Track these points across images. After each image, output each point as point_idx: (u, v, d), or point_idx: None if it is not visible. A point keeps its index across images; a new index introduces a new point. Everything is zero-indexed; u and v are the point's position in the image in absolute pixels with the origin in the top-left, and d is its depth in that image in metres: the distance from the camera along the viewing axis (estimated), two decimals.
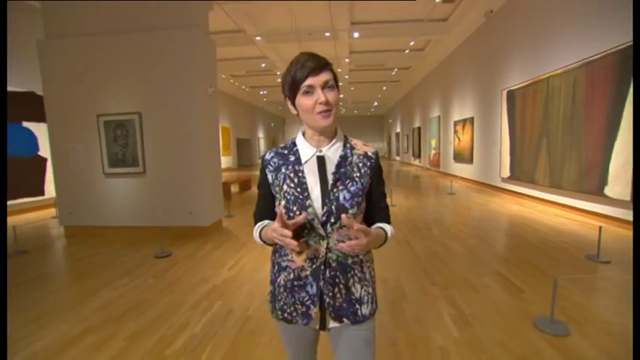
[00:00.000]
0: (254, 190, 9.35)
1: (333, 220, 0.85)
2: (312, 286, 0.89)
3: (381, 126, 30.25)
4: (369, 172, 0.92)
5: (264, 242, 0.93)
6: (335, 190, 0.87)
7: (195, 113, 4.17)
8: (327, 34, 8.64)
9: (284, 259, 0.93)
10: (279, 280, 0.94)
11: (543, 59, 5.59)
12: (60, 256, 3.88)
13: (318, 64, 0.82)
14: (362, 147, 0.96)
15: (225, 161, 15.85)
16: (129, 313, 2.34)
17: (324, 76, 0.83)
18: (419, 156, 14.98)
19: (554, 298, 2.03)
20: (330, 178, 0.88)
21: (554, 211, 5.29)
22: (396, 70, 13.67)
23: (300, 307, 0.91)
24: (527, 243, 3.75)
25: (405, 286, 2.71)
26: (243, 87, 15.98)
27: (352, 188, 0.88)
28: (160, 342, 1.99)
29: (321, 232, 0.86)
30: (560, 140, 5.24)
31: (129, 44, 4.14)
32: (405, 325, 2.13)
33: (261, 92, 17.84)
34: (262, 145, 23.18)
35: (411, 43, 9.83)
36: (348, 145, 0.94)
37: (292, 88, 0.84)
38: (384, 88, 17.59)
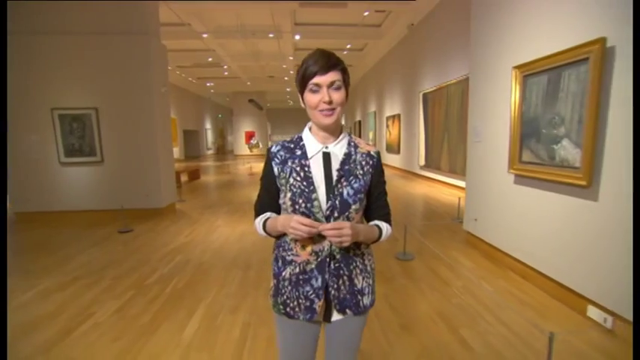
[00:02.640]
0: (203, 179, 9.90)
1: (336, 214, 0.90)
2: (317, 280, 0.92)
3: None
4: (371, 170, 0.97)
5: (268, 234, 0.97)
6: (339, 186, 0.91)
7: (149, 109, 4.81)
8: (271, 35, 9.43)
9: (288, 253, 0.95)
10: (284, 274, 0.95)
11: (446, 70, 7.04)
12: (25, 236, 4.30)
13: (327, 63, 0.85)
14: (365, 146, 1.00)
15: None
16: (108, 267, 3.09)
17: (332, 77, 0.86)
18: None
19: (405, 240, 3.25)
20: (334, 174, 0.92)
21: (450, 190, 6.83)
22: None
23: (303, 301, 0.93)
24: (418, 211, 5.10)
25: None
26: (190, 78, 16.00)
27: (355, 185, 0.92)
28: (138, 279, 2.81)
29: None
30: (455, 135, 6.76)
31: (88, 45, 4.61)
32: None
33: (208, 84, 17.93)
34: (209, 136, 23.11)
35: (348, 46, 11.00)
36: (352, 144, 0.98)
37: (301, 83, 0.88)
38: None
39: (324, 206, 0.90)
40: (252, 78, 15.99)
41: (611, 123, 1.90)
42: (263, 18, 8.63)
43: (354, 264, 0.97)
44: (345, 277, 0.95)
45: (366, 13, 8.11)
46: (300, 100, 0.93)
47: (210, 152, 22.71)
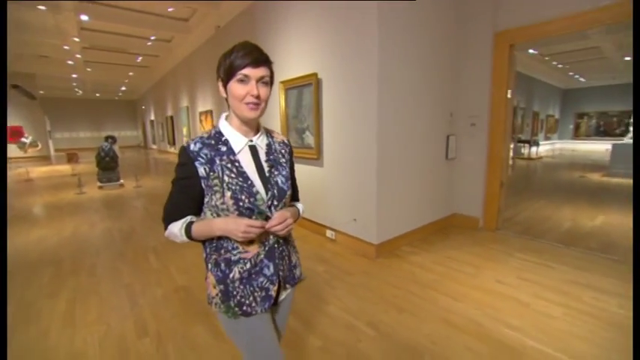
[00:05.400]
0: None
1: (276, 203, 0.95)
2: (269, 268, 0.96)
3: (134, 112, 27.96)
4: (288, 157, 1.05)
5: (193, 239, 0.94)
6: (272, 175, 0.96)
7: None
8: (42, 7, 7.89)
9: (234, 252, 0.94)
10: (232, 275, 0.94)
11: None
12: None
13: (260, 57, 0.87)
14: (277, 135, 1.07)
15: None
16: None
17: (262, 71, 0.87)
18: (174, 144, 15.91)
19: None
20: (264, 165, 0.96)
21: None
22: (141, 57, 13.75)
23: (259, 292, 0.95)
24: None
25: (138, 227, 4.07)
26: None
27: (284, 172, 1.00)
28: None
29: (269, 214, 0.94)
30: None
31: None
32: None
33: None
34: None
35: (152, 37, 10.58)
36: (269, 134, 1.03)
37: (228, 72, 0.87)
38: (131, 73, 16.90)
39: (265, 197, 0.93)
40: (16, 55, 12.34)
41: (324, 122, 3.39)
42: None
43: (289, 243, 1.08)
44: (286, 257, 1.04)
45: (170, 9, 8.22)
46: (221, 89, 0.91)
47: None
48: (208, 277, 0.99)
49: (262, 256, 0.96)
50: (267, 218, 0.94)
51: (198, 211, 0.97)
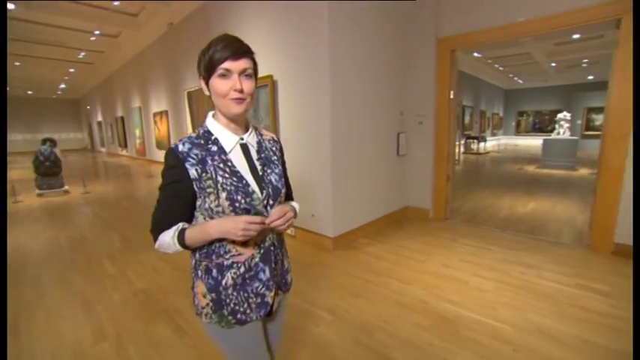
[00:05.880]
0: None
1: (271, 202, 0.92)
2: (264, 272, 0.93)
3: (77, 112, 25.93)
4: (279, 154, 1.03)
5: (187, 247, 0.88)
6: (265, 174, 0.93)
7: None
8: None
9: (226, 257, 0.90)
10: (224, 282, 0.90)
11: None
12: None
13: (240, 49, 0.83)
14: (266, 133, 1.04)
15: None
16: None
17: (244, 63, 0.83)
18: (126, 146, 15.08)
19: None
20: (257, 163, 0.93)
21: None
22: (84, 53, 12.86)
23: (254, 299, 0.92)
24: None
25: (88, 234, 3.90)
26: None
27: (277, 170, 0.97)
28: None
29: (266, 214, 0.90)
30: None
31: None
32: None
33: None
34: None
35: (97, 32, 9.97)
36: (258, 132, 1.00)
37: (208, 67, 0.83)
38: (72, 70, 15.71)
39: (260, 197, 0.90)
40: None
41: (281, 122, 3.51)
42: None
43: (283, 247, 1.06)
44: (280, 262, 1.01)
45: (116, 3, 7.84)
46: (204, 86, 0.88)
47: None
48: (197, 285, 0.93)
49: (257, 259, 0.92)
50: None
51: (190, 216, 0.92)
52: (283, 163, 1.06)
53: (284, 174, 1.04)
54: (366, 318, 2.16)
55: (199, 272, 0.93)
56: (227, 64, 0.82)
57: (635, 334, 1.02)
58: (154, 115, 11.28)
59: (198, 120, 8.84)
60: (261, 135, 1.01)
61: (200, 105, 8.62)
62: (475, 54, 10.09)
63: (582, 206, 4.63)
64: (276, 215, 0.87)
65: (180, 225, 0.89)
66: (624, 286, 2.44)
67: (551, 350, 1.80)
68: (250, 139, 0.95)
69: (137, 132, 13.12)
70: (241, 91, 0.83)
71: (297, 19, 3.17)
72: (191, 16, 8.52)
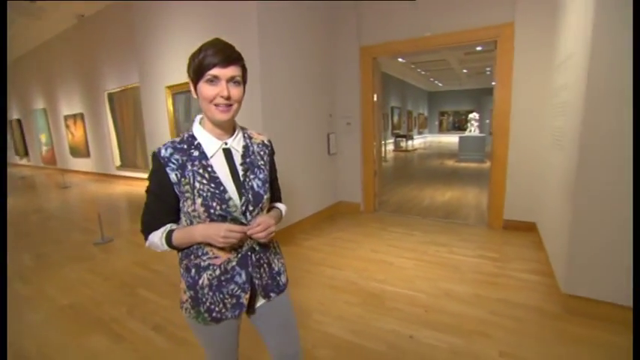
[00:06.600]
0: None
1: (251, 208, 0.93)
2: (240, 275, 0.95)
3: None
4: (268, 159, 1.02)
5: (174, 248, 0.93)
6: (247, 180, 0.93)
7: None
8: None
9: (203, 258, 0.93)
10: (201, 281, 0.93)
11: (130, 72, 7.53)
12: None
13: (230, 56, 0.84)
14: (257, 136, 1.04)
15: None
16: None
17: (232, 71, 0.84)
18: (27, 154, 13.24)
19: (102, 226, 3.82)
20: (239, 169, 0.94)
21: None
22: None
23: (229, 299, 0.95)
24: (121, 208, 5.57)
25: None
26: None
27: (261, 176, 0.97)
28: None
29: (243, 221, 0.92)
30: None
31: None
32: None
33: None
34: None
35: None
36: (247, 135, 1.01)
37: (197, 72, 0.85)
38: None
39: (238, 203, 0.91)
40: None
41: None
42: None
43: (270, 249, 1.05)
44: (266, 265, 1.02)
45: None
46: (192, 90, 0.90)
47: None
48: (180, 281, 0.99)
49: (234, 263, 0.95)
50: (242, 225, 0.91)
51: (177, 218, 0.96)
52: (272, 166, 1.08)
53: (272, 177, 1.06)
54: (305, 302, 2.39)
55: (182, 270, 0.99)
56: (215, 71, 0.83)
57: (635, 334, 1.04)
58: (66, 118, 10.15)
59: (122, 124, 8.25)
60: (250, 138, 1.02)
61: (125, 107, 8.04)
62: (400, 59, 11.06)
63: (487, 193, 5.51)
64: (261, 227, 0.89)
65: (169, 226, 0.93)
66: (509, 252, 3.09)
67: (453, 306, 2.25)
68: (235, 143, 0.96)
69: (43, 138, 11.64)
70: (228, 98, 0.85)
71: (227, 18, 3.26)
72: (109, 9, 7.91)
